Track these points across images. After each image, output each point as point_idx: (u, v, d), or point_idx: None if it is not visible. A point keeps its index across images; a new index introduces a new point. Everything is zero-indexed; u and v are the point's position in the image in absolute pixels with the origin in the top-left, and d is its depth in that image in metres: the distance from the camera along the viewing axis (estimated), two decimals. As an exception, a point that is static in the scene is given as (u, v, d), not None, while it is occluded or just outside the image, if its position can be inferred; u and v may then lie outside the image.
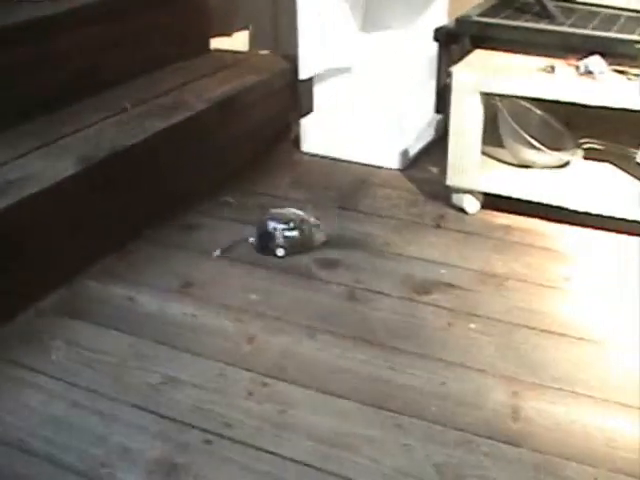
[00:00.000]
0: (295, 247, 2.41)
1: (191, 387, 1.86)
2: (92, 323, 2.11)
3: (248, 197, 2.79)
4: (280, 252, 2.38)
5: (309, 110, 3.17)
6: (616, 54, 2.51)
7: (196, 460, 1.64)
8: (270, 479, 1.61)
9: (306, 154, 3.09)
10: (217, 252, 2.42)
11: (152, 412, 1.78)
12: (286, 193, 2.77)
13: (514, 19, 2.73)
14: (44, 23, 2.61)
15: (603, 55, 2.49)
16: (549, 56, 2.58)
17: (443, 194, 2.72)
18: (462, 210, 2.69)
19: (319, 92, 3.17)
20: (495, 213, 2.66)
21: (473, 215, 2.68)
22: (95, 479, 1.63)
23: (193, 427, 1.73)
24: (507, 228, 2.59)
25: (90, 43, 2.74)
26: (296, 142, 3.19)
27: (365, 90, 3.06)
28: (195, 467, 1.63)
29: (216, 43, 3.43)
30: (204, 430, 1.72)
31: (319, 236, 2.46)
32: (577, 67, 2.50)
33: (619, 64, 2.48)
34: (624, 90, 2.40)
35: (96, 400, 1.84)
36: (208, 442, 1.69)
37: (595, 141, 2.71)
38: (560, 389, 1.87)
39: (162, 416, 1.77)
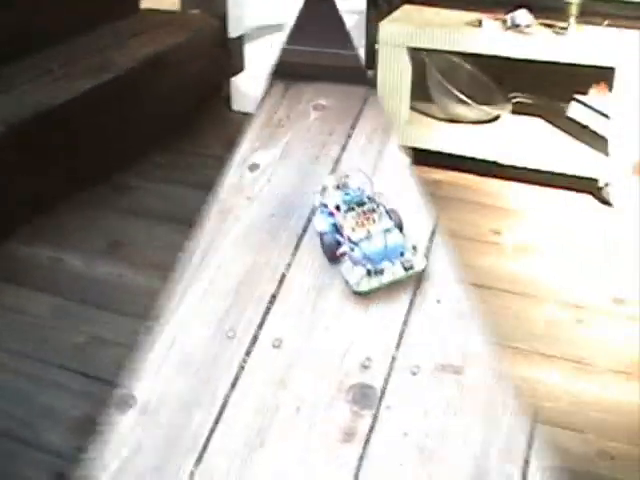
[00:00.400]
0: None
1: (116, 346, 1.85)
2: (19, 285, 2.09)
3: (179, 157, 2.77)
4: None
5: (240, 69, 3.15)
6: (543, 7, 2.51)
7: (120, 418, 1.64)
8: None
9: (237, 113, 3.07)
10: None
11: (77, 372, 1.77)
12: (217, 152, 2.75)
13: (442, -27, 2.72)
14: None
15: (530, 9, 2.49)
16: (476, 10, 2.58)
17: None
18: (392, 166, 2.69)
19: (250, 50, 3.14)
20: (425, 168, 2.66)
21: (403, 171, 2.68)
22: (19, 439, 1.62)
23: (117, 385, 1.72)
24: (438, 183, 2.60)
25: (17, 6, 2.69)
26: (227, 101, 3.17)
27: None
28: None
29: (146, 3, 3.39)
30: (128, 388, 1.72)
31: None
32: (504, 21, 2.50)
33: (546, 17, 2.48)
34: (551, 43, 2.41)
35: (22, 362, 1.82)
36: (133, 399, 1.68)
37: (525, 95, 2.72)
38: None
39: (87, 375, 1.76)
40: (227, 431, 1.44)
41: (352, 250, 1.66)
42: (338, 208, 1.74)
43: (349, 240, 1.67)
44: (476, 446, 1.39)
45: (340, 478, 1.32)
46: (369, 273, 1.64)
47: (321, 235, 1.76)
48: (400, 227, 1.73)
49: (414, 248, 1.69)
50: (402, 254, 1.69)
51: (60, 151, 2.41)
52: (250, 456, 1.40)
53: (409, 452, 1.38)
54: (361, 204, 1.74)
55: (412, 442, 1.39)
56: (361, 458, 1.36)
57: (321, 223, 1.77)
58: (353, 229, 1.68)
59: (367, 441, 1.40)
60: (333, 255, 1.73)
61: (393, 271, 1.66)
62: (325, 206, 1.78)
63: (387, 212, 1.75)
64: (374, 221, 1.71)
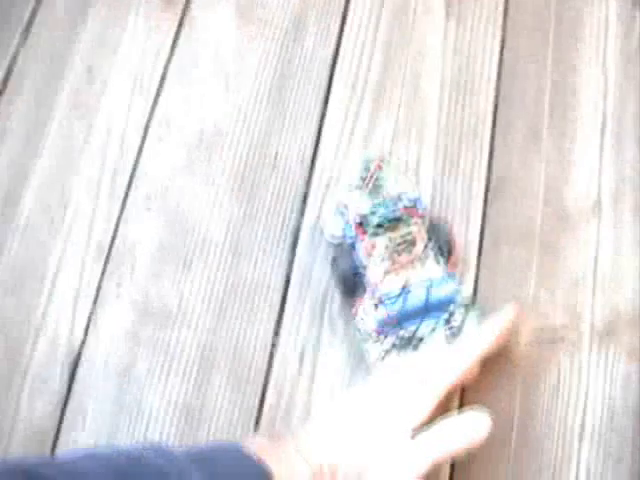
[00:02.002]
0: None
1: None
2: None
3: None
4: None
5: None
6: None
7: None
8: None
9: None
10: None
11: None
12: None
13: None
14: None
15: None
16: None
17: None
18: None
19: None
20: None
21: None
22: None
23: None
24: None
25: None
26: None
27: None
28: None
29: None
30: None
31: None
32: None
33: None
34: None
35: None
36: None
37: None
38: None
39: None
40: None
41: (375, 307, 0.89)
42: (362, 225, 0.92)
43: (372, 293, 0.89)
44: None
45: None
46: (396, 345, 0.89)
47: (335, 256, 0.93)
48: (449, 252, 0.92)
49: (466, 308, 0.89)
50: (448, 309, 0.90)
51: None
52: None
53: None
54: (395, 220, 0.93)
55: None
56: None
57: (337, 226, 0.95)
58: (382, 278, 0.90)
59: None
60: (349, 293, 0.93)
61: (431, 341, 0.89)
62: (343, 210, 0.95)
63: (431, 230, 0.92)
64: (412, 264, 0.92)
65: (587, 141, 0.94)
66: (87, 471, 0.62)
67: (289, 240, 0.93)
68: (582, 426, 0.82)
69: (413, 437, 0.73)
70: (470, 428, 0.73)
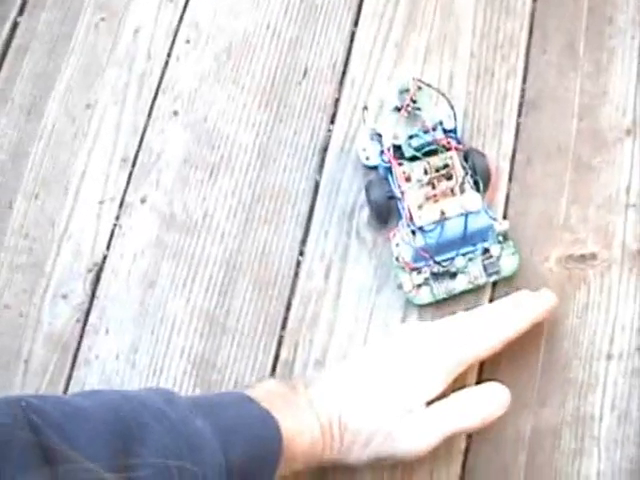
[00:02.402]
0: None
1: None
2: None
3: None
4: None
5: None
6: None
7: None
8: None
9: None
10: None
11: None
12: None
13: None
14: None
15: None
16: None
17: None
18: None
19: None
20: None
21: None
22: None
23: None
24: None
25: None
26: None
27: None
28: None
29: None
30: None
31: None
32: None
33: None
34: None
35: None
36: None
37: None
38: None
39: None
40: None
41: (412, 233, 0.86)
42: (398, 151, 0.88)
43: (410, 220, 0.86)
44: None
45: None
46: (435, 276, 0.89)
47: (368, 184, 0.89)
48: (485, 185, 0.88)
49: (504, 238, 0.87)
50: (484, 241, 0.88)
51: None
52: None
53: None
54: (432, 152, 0.88)
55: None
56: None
57: (372, 151, 0.91)
58: (420, 206, 0.86)
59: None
60: (382, 221, 0.90)
61: (470, 275, 0.88)
62: (378, 136, 0.90)
63: (468, 161, 0.88)
64: (452, 192, 0.87)
65: (625, 58, 0.92)
66: (85, 408, 0.61)
67: (318, 149, 0.92)
68: (610, 346, 0.80)
69: (427, 405, 0.71)
70: (488, 401, 0.72)
